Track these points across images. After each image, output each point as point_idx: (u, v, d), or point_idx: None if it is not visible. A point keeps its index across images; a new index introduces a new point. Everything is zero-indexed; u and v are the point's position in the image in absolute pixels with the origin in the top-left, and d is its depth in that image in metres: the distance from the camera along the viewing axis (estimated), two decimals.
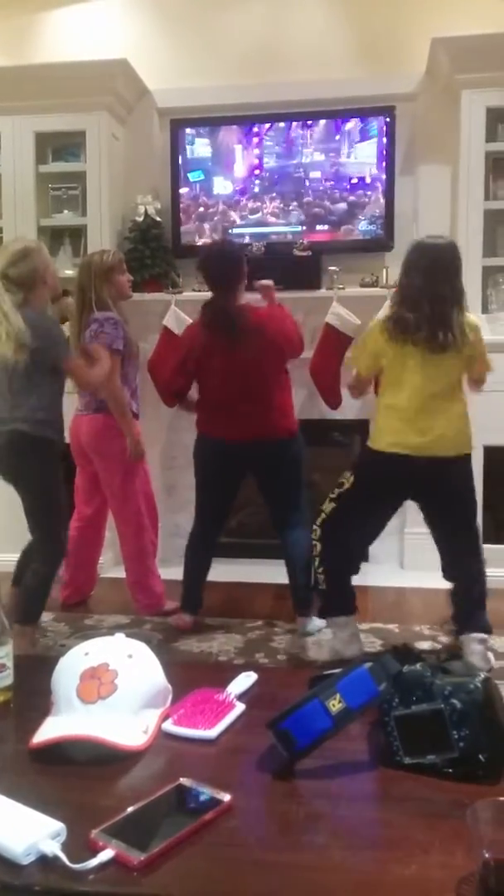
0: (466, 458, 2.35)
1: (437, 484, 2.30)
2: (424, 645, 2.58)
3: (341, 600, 2.40)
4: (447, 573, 2.43)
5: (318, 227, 3.55)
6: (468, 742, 0.88)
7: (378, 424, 2.38)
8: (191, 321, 2.99)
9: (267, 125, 3.56)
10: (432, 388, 2.27)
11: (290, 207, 3.57)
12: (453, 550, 2.39)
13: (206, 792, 0.82)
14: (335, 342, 3.32)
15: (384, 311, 2.43)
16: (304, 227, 3.54)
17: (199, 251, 3.00)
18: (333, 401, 3.40)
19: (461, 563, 2.37)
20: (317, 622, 2.69)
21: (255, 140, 3.59)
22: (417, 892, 0.69)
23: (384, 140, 3.47)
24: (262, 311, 2.72)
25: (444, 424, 2.28)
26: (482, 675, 0.94)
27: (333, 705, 0.90)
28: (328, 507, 2.39)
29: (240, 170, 3.60)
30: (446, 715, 0.89)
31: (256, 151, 3.59)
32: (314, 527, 2.44)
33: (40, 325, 2.40)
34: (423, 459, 2.25)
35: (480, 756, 0.88)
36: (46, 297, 2.54)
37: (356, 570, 2.45)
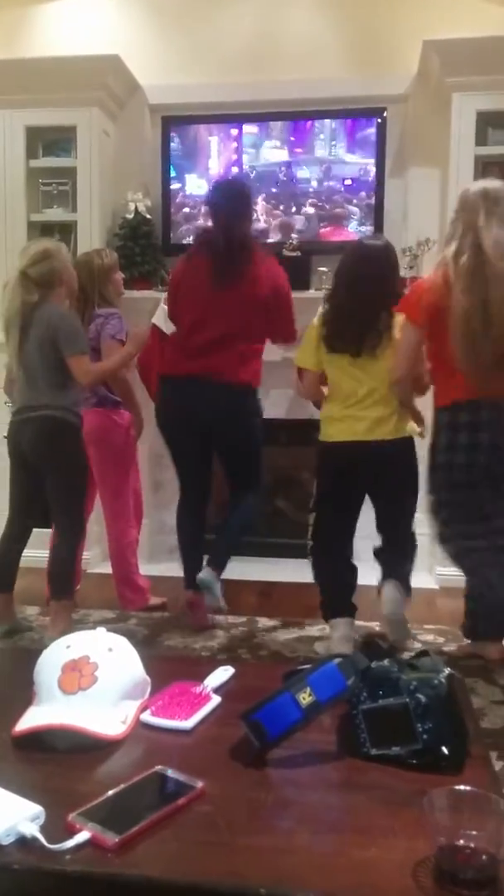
0: (407, 442, 2.46)
1: (380, 466, 2.41)
2: None
3: (334, 603, 2.47)
4: (380, 535, 2.54)
5: (309, 228, 3.58)
6: (431, 735, 0.93)
7: (323, 420, 2.52)
8: None
9: (249, 124, 3.57)
10: (363, 389, 2.40)
11: (280, 209, 3.60)
12: (388, 514, 2.51)
13: (181, 779, 0.86)
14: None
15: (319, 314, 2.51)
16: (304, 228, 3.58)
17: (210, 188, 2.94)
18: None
19: (394, 524, 2.51)
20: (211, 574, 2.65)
21: (235, 132, 3.58)
22: (376, 874, 0.73)
23: (375, 141, 3.51)
24: (267, 260, 2.63)
25: (377, 415, 2.40)
26: (446, 671, 0.98)
27: (304, 698, 0.94)
28: (312, 518, 2.52)
29: (215, 167, 3.61)
30: (411, 709, 0.93)
31: (234, 145, 3.59)
32: (308, 541, 2.54)
33: (59, 314, 2.53)
34: (366, 444, 2.39)
35: (443, 748, 0.93)
36: (64, 297, 2.62)
37: (350, 573, 2.49)
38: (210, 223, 2.68)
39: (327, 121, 3.54)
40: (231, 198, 2.61)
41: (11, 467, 2.64)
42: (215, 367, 2.57)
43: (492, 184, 2.29)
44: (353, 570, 2.50)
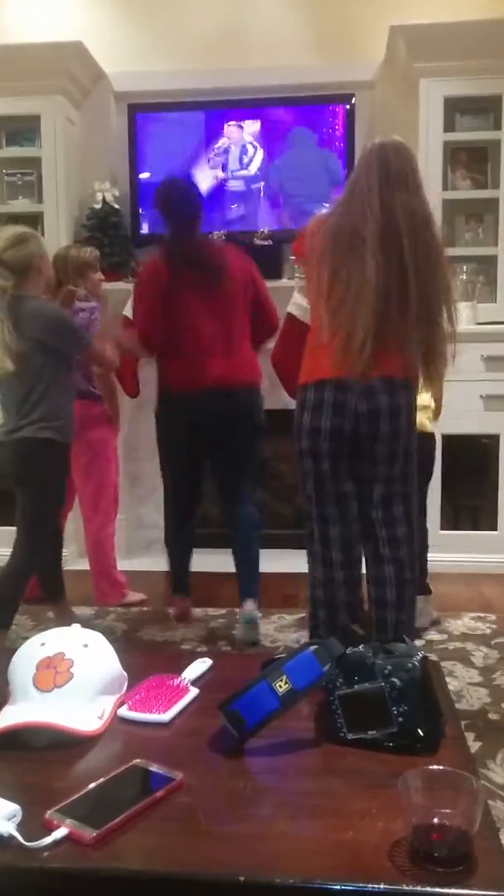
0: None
1: None
2: None
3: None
4: None
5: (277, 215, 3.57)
6: (407, 717, 0.94)
7: None
8: None
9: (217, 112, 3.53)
10: None
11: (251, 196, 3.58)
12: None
13: (159, 771, 0.86)
14: (297, 332, 3.33)
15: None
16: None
17: (155, 191, 2.71)
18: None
19: None
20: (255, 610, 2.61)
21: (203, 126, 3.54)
22: (353, 855, 0.74)
23: (343, 128, 3.50)
24: (230, 249, 2.59)
25: None
26: (420, 655, 0.99)
27: (280, 686, 0.94)
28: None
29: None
30: (387, 692, 0.94)
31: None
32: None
33: (46, 314, 2.37)
34: None
35: (418, 730, 0.94)
36: (41, 286, 2.47)
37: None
38: (167, 225, 2.57)
39: (295, 108, 3.52)
40: (184, 197, 2.52)
41: None
42: (229, 374, 2.50)
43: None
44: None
